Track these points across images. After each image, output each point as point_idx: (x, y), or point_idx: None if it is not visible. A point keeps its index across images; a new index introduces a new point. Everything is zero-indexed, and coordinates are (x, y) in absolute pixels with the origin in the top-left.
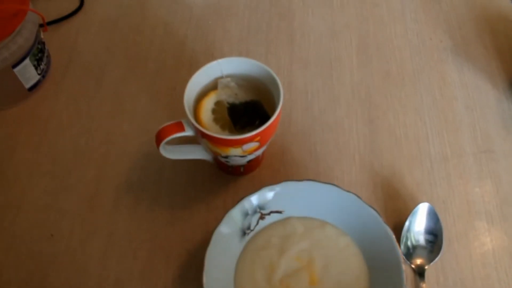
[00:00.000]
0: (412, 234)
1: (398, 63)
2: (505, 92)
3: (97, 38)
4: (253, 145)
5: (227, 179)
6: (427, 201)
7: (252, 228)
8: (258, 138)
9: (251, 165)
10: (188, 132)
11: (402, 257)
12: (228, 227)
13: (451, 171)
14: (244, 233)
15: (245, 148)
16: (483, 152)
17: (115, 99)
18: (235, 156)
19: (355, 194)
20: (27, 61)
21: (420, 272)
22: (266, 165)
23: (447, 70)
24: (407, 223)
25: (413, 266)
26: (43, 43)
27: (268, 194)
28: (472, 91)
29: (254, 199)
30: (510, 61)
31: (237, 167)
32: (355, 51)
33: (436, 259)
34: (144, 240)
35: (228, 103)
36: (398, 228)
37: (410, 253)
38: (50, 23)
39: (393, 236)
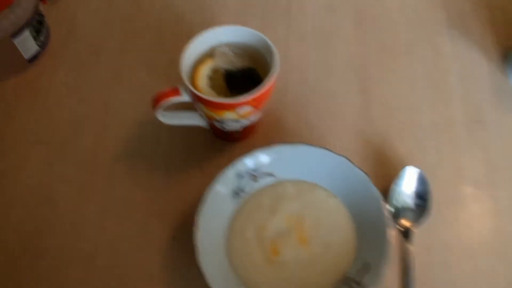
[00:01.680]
0: (400, 196)
1: (394, 36)
2: (498, 65)
3: (96, 12)
4: (247, 109)
5: (223, 146)
6: (417, 167)
7: (245, 190)
8: (252, 102)
9: (246, 132)
10: (184, 97)
11: (388, 217)
12: (222, 187)
13: (441, 140)
14: (237, 194)
15: (239, 112)
16: (474, 122)
17: (113, 71)
18: (230, 120)
19: (345, 157)
20: (26, 32)
21: (407, 235)
22: (261, 133)
23: (441, 42)
24: (394, 185)
25: (400, 228)
26: (42, 16)
27: (261, 157)
28: (466, 64)
29: (247, 161)
30: (505, 35)
31: (233, 134)
32: (351, 24)
33: (424, 222)
34: (140, 203)
35: (224, 69)
36: (386, 192)
37: (398, 215)
38: None
39: (380, 197)
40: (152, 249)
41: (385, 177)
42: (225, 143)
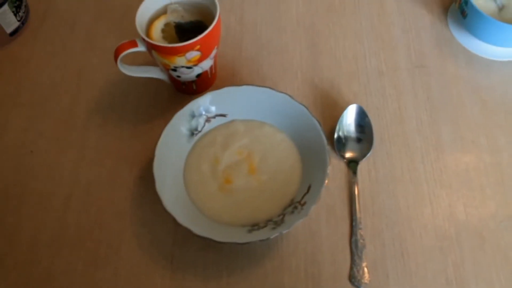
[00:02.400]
0: (344, 128)
1: None
2: (440, 16)
3: None
4: (195, 54)
5: (183, 98)
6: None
7: (199, 129)
8: (198, 46)
9: (203, 83)
10: (141, 47)
11: (327, 143)
12: (178, 125)
13: (386, 83)
14: (192, 134)
15: (188, 57)
16: (417, 67)
17: (86, 40)
18: (182, 67)
19: (287, 94)
20: (5, 7)
21: (353, 166)
22: (217, 85)
23: (386, 0)
24: (340, 120)
25: (345, 159)
26: None
27: (212, 98)
28: (409, 17)
29: (200, 102)
30: None
31: (190, 84)
32: None
33: (368, 154)
34: (111, 151)
35: (175, 22)
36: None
37: (344, 146)
38: None
39: (320, 126)
40: (122, 189)
41: (332, 118)
42: (185, 96)
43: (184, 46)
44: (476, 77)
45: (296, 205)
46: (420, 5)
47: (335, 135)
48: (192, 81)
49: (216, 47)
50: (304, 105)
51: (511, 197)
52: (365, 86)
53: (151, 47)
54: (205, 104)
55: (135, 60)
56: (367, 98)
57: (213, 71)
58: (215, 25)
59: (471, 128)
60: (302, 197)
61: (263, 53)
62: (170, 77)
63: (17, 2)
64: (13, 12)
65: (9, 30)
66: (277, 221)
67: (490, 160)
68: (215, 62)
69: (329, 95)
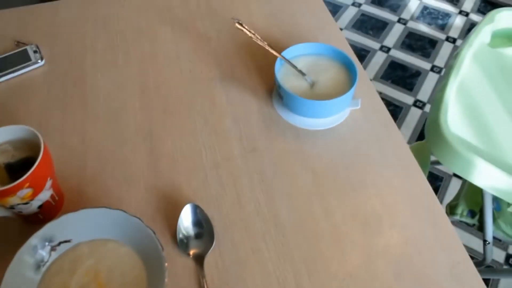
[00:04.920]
0: (182, 229)
1: (175, 98)
2: (265, 100)
3: None
4: (27, 191)
5: (32, 229)
6: (201, 203)
7: (45, 260)
8: (28, 184)
9: (48, 212)
10: None
11: (162, 249)
12: (19, 266)
13: (222, 173)
14: (39, 266)
15: (20, 195)
16: (249, 152)
17: None
18: (19, 204)
19: (121, 210)
20: None
21: (200, 261)
22: (66, 208)
23: (216, 94)
24: (178, 222)
25: (191, 256)
26: None
27: (52, 228)
28: (238, 105)
29: (40, 235)
30: (268, 74)
31: (35, 215)
32: (137, 97)
33: (212, 247)
34: None
35: (4, 163)
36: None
37: (187, 245)
38: None
39: (154, 235)
40: None
41: (175, 218)
42: (36, 226)
43: (10, 188)
44: (304, 149)
45: None
46: (246, 92)
47: (178, 237)
48: (36, 213)
49: (49, 178)
50: (138, 218)
51: (348, 255)
52: (203, 180)
53: None
54: (46, 235)
55: None
56: (206, 191)
57: (57, 198)
58: (41, 160)
59: (305, 198)
60: None
61: (106, 167)
62: (13, 213)
63: None
64: None
65: None
66: None
67: (325, 225)
68: (56, 190)
69: (171, 197)
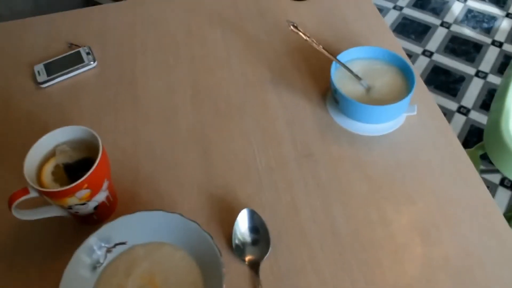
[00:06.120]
0: (239, 235)
1: (226, 100)
2: (319, 103)
3: None
4: (85, 192)
5: (88, 229)
6: (256, 207)
7: (101, 261)
8: (86, 185)
9: (103, 213)
10: (33, 194)
11: (220, 254)
12: (76, 266)
13: (277, 178)
14: (95, 267)
15: (79, 196)
16: (304, 156)
17: None
18: (76, 205)
19: (178, 213)
20: None
21: (255, 267)
22: (119, 210)
23: (268, 96)
24: (234, 227)
25: (247, 262)
26: None
27: (109, 230)
28: (291, 109)
29: (97, 236)
30: (321, 78)
31: (90, 216)
32: (188, 99)
33: (268, 253)
34: None
35: (63, 164)
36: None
37: (243, 251)
38: None
39: (212, 240)
40: None
41: (231, 224)
42: (90, 227)
43: (70, 188)
44: (359, 155)
45: None
46: (299, 95)
47: (234, 242)
48: (92, 213)
49: (106, 179)
50: (195, 222)
51: (407, 265)
52: (257, 185)
53: (41, 193)
54: (102, 236)
55: (37, 200)
56: (261, 196)
57: (111, 199)
58: (99, 161)
59: (361, 206)
60: None
61: (159, 171)
62: (69, 213)
63: None
64: None
65: None
66: None
67: (382, 234)
68: (111, 192)
69: (225, 201)
